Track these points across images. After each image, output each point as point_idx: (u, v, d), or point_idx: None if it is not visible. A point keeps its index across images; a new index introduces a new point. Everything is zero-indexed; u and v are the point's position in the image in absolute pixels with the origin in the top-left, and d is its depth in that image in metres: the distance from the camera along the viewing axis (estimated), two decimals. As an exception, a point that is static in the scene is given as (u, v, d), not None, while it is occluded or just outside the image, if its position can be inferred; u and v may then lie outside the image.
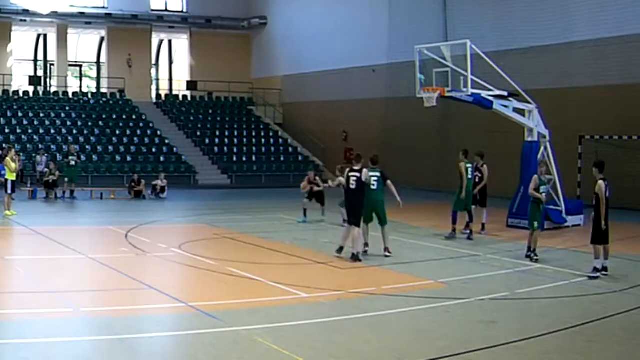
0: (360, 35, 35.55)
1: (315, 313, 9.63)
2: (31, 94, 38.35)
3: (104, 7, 40.18)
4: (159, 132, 36.95)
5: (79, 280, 12.04)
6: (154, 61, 44.08)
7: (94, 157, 33.24)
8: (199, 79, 41.94)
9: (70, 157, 26.36)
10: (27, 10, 37.43)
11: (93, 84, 44.23)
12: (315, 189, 20.04)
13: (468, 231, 17.00)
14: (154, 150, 35.18)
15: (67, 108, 37.27)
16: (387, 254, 14.30)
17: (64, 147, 32.23)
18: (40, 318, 9.04)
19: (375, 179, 14.22)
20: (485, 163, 18.10)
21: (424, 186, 30.18)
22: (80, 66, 44.30)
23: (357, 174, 13.85)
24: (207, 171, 34.86)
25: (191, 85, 42.21)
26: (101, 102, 39.17)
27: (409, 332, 8.91)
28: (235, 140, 38.18)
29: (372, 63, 34.78)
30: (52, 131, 34.76)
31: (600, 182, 12.11)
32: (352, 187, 13.82)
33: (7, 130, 33.77)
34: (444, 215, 18.15)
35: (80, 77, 44.65)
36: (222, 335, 8.56)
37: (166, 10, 42.43)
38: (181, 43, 44.45)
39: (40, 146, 31.74)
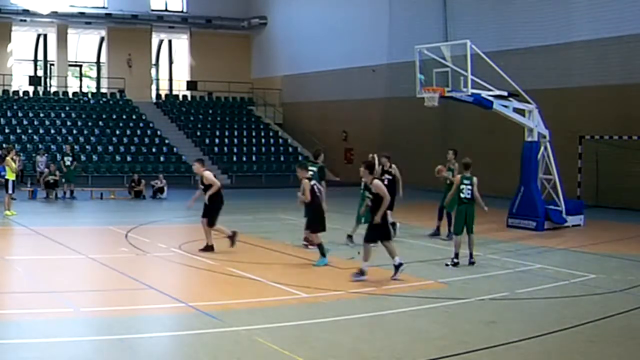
0: (360, 35, 35.55)
1: (315, 313, 9.62)
2: (31, 94, 38.37)
3: (104, 7, 40.21)
4: (159, 132, 36.96)
5: (79, 280, 12.02)
6: (154, 61, 44.10)
7: (94, 157, 33.24)
8: (199, 79, 41.95)
9: (65, 158, 26.33)
10: (27, 10, 37.46)
11: (93, 84, 44.24)
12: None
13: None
14: (154, 150, 35.18)
15: (67, 108, 37.29)
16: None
17: (64, 147, 32.25)
18: (40, 318, 9.02)
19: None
20: (394, 163, 16.42)
21: (424, 186, 30.14)
22: (80, 66, 44.32)
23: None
24: (207, 171, 34.80)
25: (191, 85, 42.22)
26: (101, 102, 39.18)
27: (409, 332, 8.90)
28: (235, 140, 38.19)
29: (372, 63, 34.78)
30: (52, 131, 34.77)
31: (377, 181, 11.89)
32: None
33: (7, 130, 33.79)
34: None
35: (80, 77, 44.66)
36: (222, 335, 8.55)
37: (166, 10, 42.45)
38: (181, 43, 44.46)
39: (40, 146, 31.73)
